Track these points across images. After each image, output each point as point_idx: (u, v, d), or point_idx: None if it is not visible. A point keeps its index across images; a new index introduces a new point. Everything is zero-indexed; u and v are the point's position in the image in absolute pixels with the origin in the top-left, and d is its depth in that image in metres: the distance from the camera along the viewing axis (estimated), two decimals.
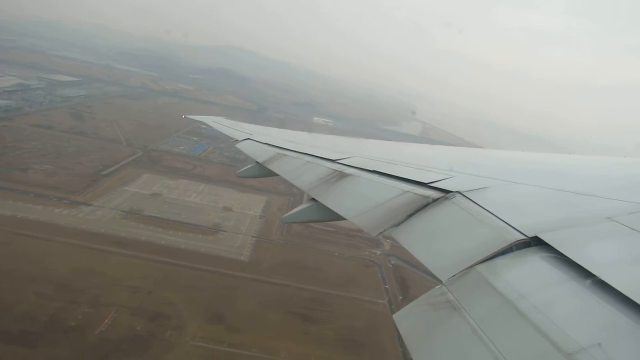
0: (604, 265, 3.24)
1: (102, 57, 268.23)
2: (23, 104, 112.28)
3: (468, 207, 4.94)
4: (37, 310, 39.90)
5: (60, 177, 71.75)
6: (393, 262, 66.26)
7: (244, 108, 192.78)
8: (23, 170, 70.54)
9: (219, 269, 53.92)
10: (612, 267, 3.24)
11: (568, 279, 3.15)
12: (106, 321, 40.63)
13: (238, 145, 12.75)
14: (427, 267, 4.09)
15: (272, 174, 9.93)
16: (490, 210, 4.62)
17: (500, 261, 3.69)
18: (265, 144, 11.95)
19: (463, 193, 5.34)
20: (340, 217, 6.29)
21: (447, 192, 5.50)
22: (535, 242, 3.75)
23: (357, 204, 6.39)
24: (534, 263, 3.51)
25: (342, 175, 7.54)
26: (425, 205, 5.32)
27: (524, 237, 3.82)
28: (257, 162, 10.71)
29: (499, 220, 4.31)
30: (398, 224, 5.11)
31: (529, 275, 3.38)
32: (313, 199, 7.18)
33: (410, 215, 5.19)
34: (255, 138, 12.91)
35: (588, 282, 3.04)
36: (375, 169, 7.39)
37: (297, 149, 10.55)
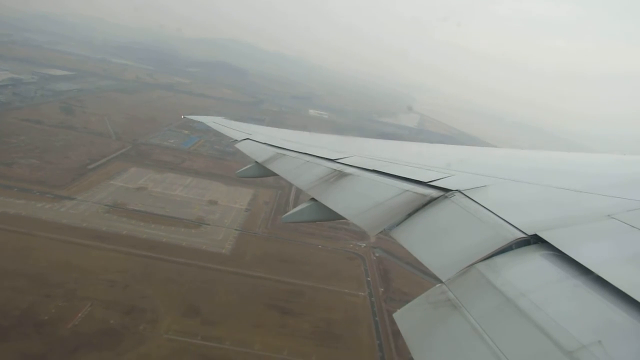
0: (604, 263, 3.25)
1: (98, 50, 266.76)
2: (13, 98, 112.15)
3: (468, 205, 4.97)
4: (10, 304, 39.95)
5: (45, 171, 71.68)
6: (377, 255, 66.18)
7: (239, 101, 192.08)
8: (8, 165, 70.49)
9: (199, 263, 53.91)
10: (612, 264, 3.25)
11: (568, 277, 3.16)
12: (80, 315, 40.70)
13: (237, 146, 12.87)
14: (427, 267, 4.14)
15: (271, 173, 10.03)
16: (490, 209, 4.66)
17: (500, 259, 3.72)
18: (265, 143, 12.05)
19: (462, 191, 5.37)
20: (340, 217, 6.34)
21: (447, 190, 5.52)
22: (535, 240, 3.77)
23: (356, 203, 6.44)
24: (534, 261, 3.54)
25: (342, 175, 7.60)
26: (425, 204, 5.34)
27: (523, 236, 3.84)
28: (256, 162, 10.80)
29: (499, 219, 4.35)
30: (397, 224, 5.12)
31: (529, 273, 3.42)
32: (313, 199, 7.24)
33: (410, 214, 5.21)
34: (254, 138, 13.02)
35: (588, 279, 3.06)
36: (375, 168, 7.42)
37: (296, 148, 10.62)
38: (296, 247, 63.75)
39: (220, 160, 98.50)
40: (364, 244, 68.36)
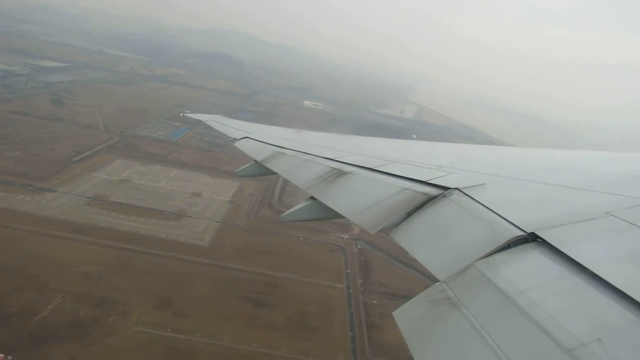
0: (602, 260, 3.26)
1: (95, 42, 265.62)
2: (2, 90, 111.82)
3: (466, 203, 4.98)
4: None
5: (29, 163, 71.62)
6: (359, 247, 66.11)
7: (233, 92, 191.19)
8: None
9: (177, 255, 53.97)
10: (610, 262, 3.26)
11: (568, 275, 3.17)
12: (49, 307, 40.83)
13: (236, 144, 12.85)
14: (426, 268, 4.13)
15: (270, 172, 10.01)
16: (489, 207, 4.65)
17: (499, 257, 3.73)
18: (264, 142, 12.04)
19: (462, 189, 5.37)
20: (339, 215, 6.33)
21: (446, 188, 5.54)
22: (535, 238, 3.78)
23: (355, 201, 6.46)
24: (533, 259, 3.56)
25: (341, 173, 7.60)
26: (424, 202, 5.36)
27: (522, 233, 3.85)
28: (255, 160, 10.79)
29: (498, 217, 4.35)
30: (397, 222, 5.14)
31: (528, 271, 3.43)
32: (312, 197, 7.25)
33: (409, 213, 5.22)
34: (253, 136, 13.03)
35: (587, 277, 3.06)
36: (374, 167, 7.44)
37: (295, 147, 10.61)
38: (277, 239, 63.72)
39: (209, 153, 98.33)
40: (347, 236, 68.29)
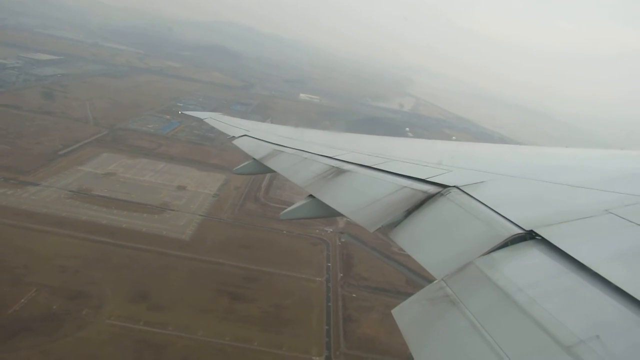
0: (601, 258, 3.28)
1: (92, 35, 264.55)
2: None
3: (465, 202, 5.00)
4: None
5: (14, 157, 71.52)
6: (343, 240, 65.98)
7: (228, 85, 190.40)
8: None
9: (156, 248, 53.96)
10: (609, 260, 3.28)
11: (566, 272, 3.18)
12: (22, 300, 40.88)
13: (235, 142, 12.90)
14: (425, 268, 4.15)
15: (269, 170, 10.04)
16: (488, 205, 4.68)
17: (497, 255, 3.75)
18: (262, 140, 12.09)
19: (460, 188, 5.39)
20: (338, 213, 6.37)
21: (445, 187, 5.56)
22: (534, 236, 3.80)
23: (354, 200, 6.48)
24: (532, 256, 3.58)
25: (340, 172, 7.63)
26: (423, 200, 5.38)
27: (521, 232, 3.87)
28: (254, 158, 10.80)
29: (497, 215, 4.38)
30: (396, 220, 5.16)
31: (527, 269, 3.45)
32: (311, 195, 7.27)
33: (408, 211, 5.24)
34: (251, 134, 13.05)
35: (586, 275, 3.07)
36: (373, 165, 7.45)
37: (294, 145, 10.65)
38: (260, 233, 63.66)
39: (198, 146, 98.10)
40: (331, 230, 68.12)
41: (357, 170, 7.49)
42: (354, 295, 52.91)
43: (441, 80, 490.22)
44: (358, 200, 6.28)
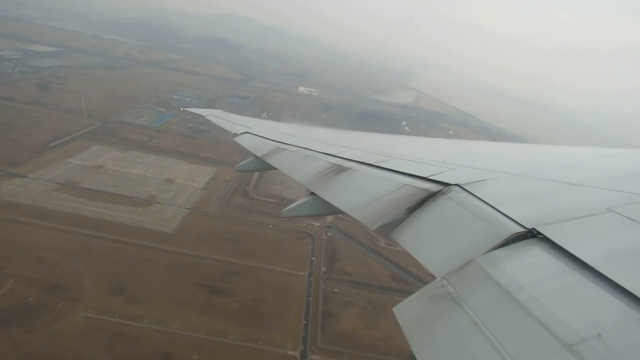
0: (603, 257, 3.27)
1: (93, 26, 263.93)
2: None
3: (467, 200, 5.00)
4: None
5: (4, 148, 71.58)
6: (329, 234, 65.77)
7: (227, 78, 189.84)
8: None
9: (139, 241, 54.00)
10: (611, 258, 3.27)
11: (568, 270, 3.18)
12: None
13: (237, 139, 12.98)
14: (427, 267, 4.16)
15: (271, 167, 10.10)
16: (490, 203, 4.68)
17: (499, 253, 3.77)
18: (264, 137, 12.13)
19: (462, 186, 5.39)
20: (339, 211, 6.34)
21: (446, 185, 5.56)
22: (536, 234, 3.80)
23: (356, 197, 6.49)
24: (534, 255, 3.58)
25: (341, 169, 7.67)
26: (425, 198, 5.38)
27: (522, 230, 3.88)
28: (255, 156, 10.85)
29: (499, 213, 4.38)
30: (397, 218, 5.16)
31: (529, 267, 3.47)
32: (312, 193, 7.27)
33: (409, 209, 5.24)
34: (253, 132, 13.13)
35: (588, 273, 3.07)
36: (374, 163, 7.49)
37: (296, 142, 10.69)
38: (245, 226, 63.59)
39: (190, 139, 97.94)
40: (318, 224, 67.89)
41: (358, 168, 7.52)
42: (335, 289, 52.77)
43: (444, 74, 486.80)
44: (359, 198, 6.31)
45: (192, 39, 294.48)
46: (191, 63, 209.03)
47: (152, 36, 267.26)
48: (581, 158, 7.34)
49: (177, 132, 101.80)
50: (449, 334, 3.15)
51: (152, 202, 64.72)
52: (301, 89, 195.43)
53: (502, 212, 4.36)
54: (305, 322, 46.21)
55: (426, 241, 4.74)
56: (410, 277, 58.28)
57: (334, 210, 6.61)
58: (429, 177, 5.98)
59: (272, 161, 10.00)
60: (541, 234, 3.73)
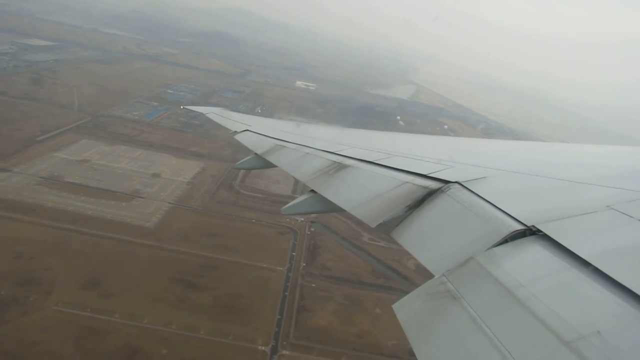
0: (602, 254, 3.28)
1: (92, 20, 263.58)
2: None
3: (467, 197, 5.01)
4: None
5: None
6: (313, 229, 65.55)
7: (224, 72, 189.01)
8: None
9: (118, 236, 53.99)
10: (610, 256, 3.27)
11: (568, 268, 3.19)
12: None
13: (237, 137, 13.07)
14: (426, 265, 4.14)
15: (270, 165, 10.14)
16: (490, 200, 4.68)
17: (499, 251, 3.78)
18: (264, 135, 12.20)
19: (462, 183, 5.40)
20: (339, 209, 6.37)
21: (446, 182, 5.58)
22: (536, 231, 3.80)
23: (356, 195, 6.52)
24: (534, 252, 3.59)
25: (341, 167, 7.70)
26: (425, 195, 5.40)
27: (523, 227, 3.88)
28: (255, 153, 10.93)
29: (498, 211, 4.38)
30: (397, 215, 5.19)
31: (529, 264, 3.48)
32: (312, 191, 7.32)
33: (409, 206, 5.27)
34: (253, 129, 13.21)
35: (587, 271, 3.07)
36: (375, 160, 7.52)
37: (296, 140, 10.75)
38: (228, 221, 63.48)
39: (180, 133, 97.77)
40: (302, 219, 67.61)
41: (358, 165, 7.54)
42: (313, 285, 52.59)
43: (446, 68, 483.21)
44: (359, 196, 6.32)
45: (192, 33, 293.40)
46: (189, 57, 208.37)
47: (152, 30, 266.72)
48: (581, 155, 7.38)
49: (168, 126, 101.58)
50: (448, 331, 3.16)
51: (135, 197, 64.69)
52: (298, 83, 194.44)
53: (502, 209, 4.36)
54: (279, 317, 46.09)
55: (426, 238, 4.76)
56: (391, 273, 58.06)
57: (334, 208, 6.64)
58: (429, 175, 5.99)
59: (272, 159, 10.03)
60: (541, 231, 3.74)
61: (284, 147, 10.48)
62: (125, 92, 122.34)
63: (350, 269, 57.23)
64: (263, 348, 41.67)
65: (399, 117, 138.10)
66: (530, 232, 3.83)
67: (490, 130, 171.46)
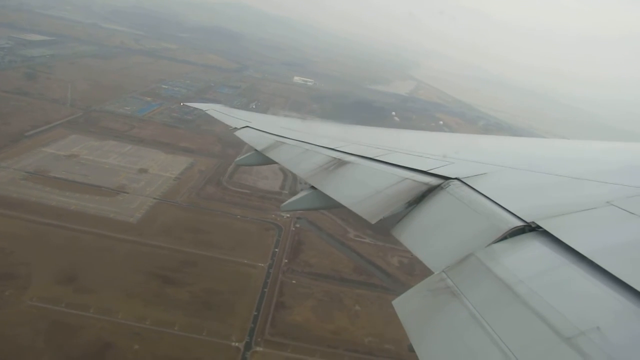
0: (602, 250, 3.28)
1: (92, 15, 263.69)
2: None
3: (466, 194, 5.00)
4: None
5: None
6: (298, 225, 65.40)
7: (221, 67, 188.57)
8: None
9: (100, 231, 54.05)
10: (610, 252, 3.27)
11: (568, 264, 3.18)
12: None
13: (237, 133, 13.13)
14: (426, 263, 4.12)
15: (271, 161, 10.14)
16: (490, 197, 4.68)
17: (499, 247, 3.78)
18: (264, 131, 12.19)
19: (462, 179, 5.40)
20: (339, 205, 6.35)
21: (446, 178, 5.58)
22: (535, 228, 3.80)
23: (356, 191, 6.51)
24: (534, 248, 3.59)
25: (341, 163, 7.70)
26: (424, 192, 5.40)
27: (523, 223, 3.88)
28: (255, 150, 10.94)
29: (498, 207, 4.38)
30: (396, 212, 5.18)
31: (529, 260, 3.48)
32: (312, 187, 7.34)
33: (409, 202, 5.26)
34: (254, 126, 13.20)
35: (587, 267, 3.06)
36: (375, 157, 7.50)
37: (296, 136, 10.76)
38: (213, 217, 63.43)
39: (172, 129, 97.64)
40: (288, 215, 67.51)
41: (358, 161, 7.52)
42: (293, 281, 52.50)
43: (447, 63, 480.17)
44: (359, 192, 6.28)
45: (192, 27, 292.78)
46: (187, 52, 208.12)
47: (151, 25, 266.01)
48: (581, 152, 7.37)
49: (160, 121, 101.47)
50: (448, 327, 3.14)
51: (120, 192, 64.73)
52: (296, 78, 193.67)
53: (502, 205, 4.34)
54: (255, 313, 46.05)
55: (426, 235, 4.74)
56: (374, 269, 57.83)
57: (334, 204, 6.64)
58: (429, 171, 5.97)
59: (272, 155, 10.01)
60: (541, 227, 3.73)
61: (284, 143, 10.48)
62: (120, 87, 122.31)
63: (333, 266, 57.07)
64: (237, 344, 41.65)
65: (394, 113, 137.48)
66: (530, 229, 3.83)
67: (490, 126, 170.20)
